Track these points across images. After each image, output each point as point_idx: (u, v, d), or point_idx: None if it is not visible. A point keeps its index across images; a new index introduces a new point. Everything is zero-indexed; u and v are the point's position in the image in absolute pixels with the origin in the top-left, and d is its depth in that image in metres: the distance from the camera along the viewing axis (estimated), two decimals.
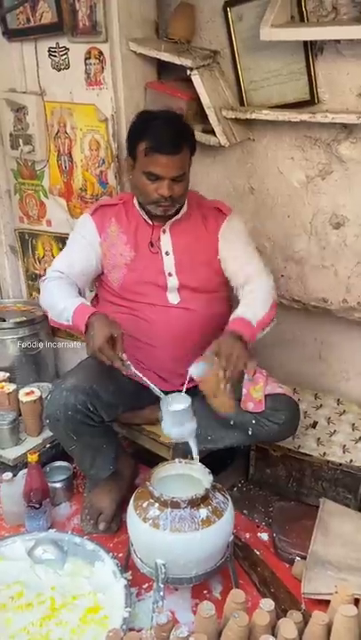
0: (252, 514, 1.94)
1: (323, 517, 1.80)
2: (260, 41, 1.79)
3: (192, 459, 1.62)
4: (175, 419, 1.57)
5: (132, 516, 1.52)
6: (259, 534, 1.86)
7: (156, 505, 1.49)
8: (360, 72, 1.82)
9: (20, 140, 2.23)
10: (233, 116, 1.97)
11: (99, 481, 1.86)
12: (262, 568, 1.70)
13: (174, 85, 2.04)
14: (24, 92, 2.19)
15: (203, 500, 1.49)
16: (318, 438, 2.00)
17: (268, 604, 1.29)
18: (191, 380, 1.61)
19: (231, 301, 1.89)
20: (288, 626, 1.25)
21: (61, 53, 2.04)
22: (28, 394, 2.06)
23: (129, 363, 1.61)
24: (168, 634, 1.23)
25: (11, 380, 2.21)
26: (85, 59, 1.99)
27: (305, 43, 1.83)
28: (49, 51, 2.06)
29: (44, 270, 2.22)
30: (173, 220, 1.80)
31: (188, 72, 1.93)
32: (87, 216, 1.86)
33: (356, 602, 1.28)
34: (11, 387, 2.11)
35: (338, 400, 2.21)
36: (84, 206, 2.17)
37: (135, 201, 1.82)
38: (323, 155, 1.95)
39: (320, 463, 1.90)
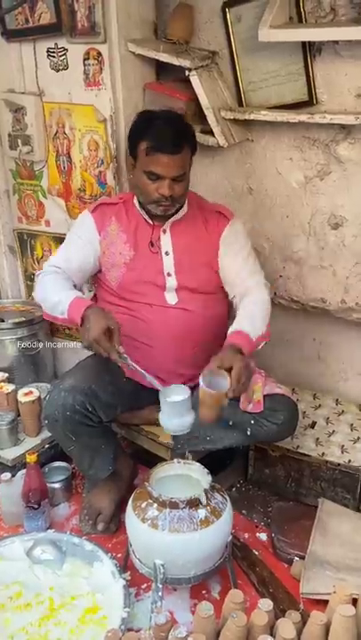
0: (251, 514, 1.94)
1: (321, 517, 1.80)
2: (258, 42, 1.79)
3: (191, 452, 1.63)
4: (174, 409, 1.56)
5: (130, 516, 1.52)
6: (257, 534, 1.86)
7: (155, 505, 1.49)
8: (358, 73, 1.82)
9: (19, 141, 2.23)
10: (231, 117, 1.97)
11: (97, 481, 1.86)
12: (261, 568, 1.71)
13: (173, 86, 2.04)
14: (23, 93, 2.19)
15: (201, 501, 1.49)
16: (317, 438, 2.00)
17: (266, 604, 1.29)
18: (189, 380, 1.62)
19: (229, 303, 1.89)
20: (286, 626, 1.25)
21: (60, 54, 2.04)
22: (26, 394, 2.06)
23: (126, 355, 1.60)
24: (167, 634, 1.24)
25: (9, 380, 2.21)
26: (84, 59, 1.99)
27: (303, 43, 1.84)
28: (47, 51, 2.07)
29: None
30: (173, 219, 1.80)
31: (187, 73, 1.93)
32: (87, 213, 1.86)
33: (354, 602, 1.28)
34: (9, 387, 2.11)
35: (336, 400, 2.21)
36: (82, 207, 2.17)
37: (135, 200, 1.82)
38: (321, 155, 1.95)
39: (319, 463, 1.91)
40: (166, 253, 1.80)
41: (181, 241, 1.81)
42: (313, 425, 2.08)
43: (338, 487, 1.90)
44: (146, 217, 1.80)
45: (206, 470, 1.58)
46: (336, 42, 1.80)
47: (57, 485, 1.98)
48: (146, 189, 1.71)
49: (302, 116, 1.84)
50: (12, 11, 2.02)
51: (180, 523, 1.45)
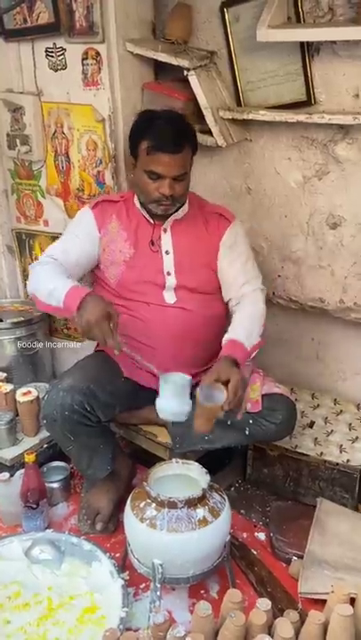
0: (250, 513, 1.95)
1: (320, 517, 1.80)
2: (256, 42, 1.79)
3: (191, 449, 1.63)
4: (174, 392, 1.55)
5: (129, 516, 1.53)
6: (256, 534, 1.86)
7: (154, 505, 1.49)
8: (356, 73, 1.82)
9: (18, 141, 2.23)
10: (230, 117, 1.97)
11: (96, 481, 1.86)
12: (259, 568, 1.71)
13: (171, 86, 2.04)
14: (21, 93, 2.18)
15: (200, 500, 1.49)
16: (315, 438, 2.00)
17: (264, 603, 1.29)
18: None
19: (227, 303, 1.89)
20: (285, 625, 1.25)
21: (58, 54, 2.04)
22: (25, 394, 2.05)
23: (125, 342, 1.59)
24: (165, 633, 1.24)
25: (8, 380, 2.21)
26: (82, 59, 1.99)
27: (301, 43, 1.84)
28: (46, 51, 2.06)
29: None
30: (174, 218, 1.80)
31: (185, 73, 1.93)
32: (87, 209, 1.86)
33: (352, 601, 1.28)
34: (8, 387, 2.10)
35: (335, 400, 2.22)
36: (81, 206, 2.16)
37: (136, 199, 1.82)
38: (319, 155, 1.95)
39: (317, 463, 1.91)
40: (166, 252, 1.80)
41: (182, 240, 1.81)
42: (311, 424, 2.08)
43: (336, 487, 1.90)
44: (146, 216, 1.80)
45: (205, 470, 1.58)
46: (334, 42, 1.80)
47: (55, 485, 1.98)
48: (146, 189, 1.71)
49: (301, 116, 1.84)
50: (11, 10, 2.01)
51: (178, 522, 1.46)
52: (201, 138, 2.00)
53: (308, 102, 1.91)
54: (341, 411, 2.16)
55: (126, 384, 1.85)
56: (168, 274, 1.80)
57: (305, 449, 1.95)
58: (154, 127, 1.67)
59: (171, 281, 1.81)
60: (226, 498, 1.57)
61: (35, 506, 1.78)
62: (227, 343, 1.66)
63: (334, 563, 1.64)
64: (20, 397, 2.05)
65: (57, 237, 2.28)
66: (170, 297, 1.82)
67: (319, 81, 1.88)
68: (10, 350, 2.31)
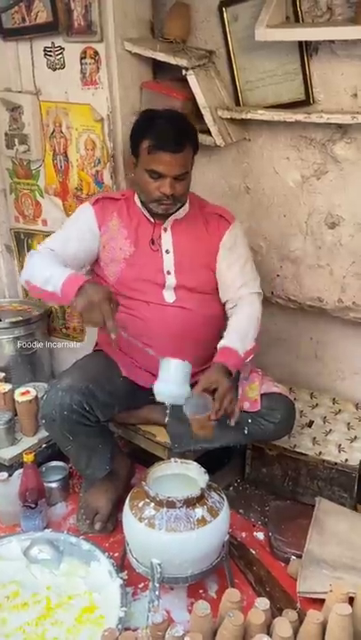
0: (248, 513, 1.95)
1: (318, 516, 1.80)
2: (255, 41, 1.79)
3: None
4: (175, 375, 1.54)
5: (127, 515, 1.52)
6: (254, 533, 1.86)
7: (152, 505, 1.49)
8: (354, 72, 1.82)
9: (16, 140, 2.23)
10: (228, 116, 1.97)
11: (95, 481, 1.86)
12: (258, 567, 1.71)
13: (170, 85, 2.04)
14: (19, 92, 2.18)
15: (198, 500, 1.49)
16: (314, 437, 2.00)
17: (263, 602, 1.29)
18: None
19: (224, 304, 1.89)
20: (283, 625, 1.25)
21: (57, 53, 2.04)
22: (23, 394, 2.05)
23: (124, 327, 1.58)
24: (164, 633, 1.24)
25: (6, 379, 2.21)
26: (81, 58, 1.99)
27: (300, 43, 1.84)
28: (44, 50, 2.06)
29: None
30: (174, 218, 1.80)
31: (184, 72, 1.93)
32: (88, 205, 1.85)
33: (350, 600, 1.28)
34: (6, 386, 2.10)
35: (333, 399, 2.22)
36: (79, 206, 2.16)
37: (136, 198, 1.82)
38: (318, 155, 1.95)
39: (316, 462, 1.91)
40: (167, 252, 1.80)
41: (182, 240, 1.81)
42: (310, 424, 2.08)
43: (335, 486, 1.91)
44: (147, 215, 1.80)
45: (203, 469, 1.58)
46: (333, 41, 1.80)
47: (54, 485, 1.98)
48: (147, 188, 1.71)
49: (299, 116, 1.84)
50: (9, 9, 2.01)
51: (176, 522, 1.45)
52: (199, 137, 2.00)
53: (306, 102, 1.91)
54: (340, 410, 2.16)
55: (125, 384, 1.85)
56: (168, 273, 1.80)
57: (304, 448, 1.95)
58: (155, 126, 1.67)
59: (170, 280, 1.81)
60: (224, 497, 1.57)
61: (33, 505, 1.78)
62: (221, 350, 1.68)
63: (333, 562, 1.64)
64: (18, 397, 2.05)
65: None
66: (169, 296, 1.82)
67: (318, 80, 1.88)
68: (8, 350, 2.31)
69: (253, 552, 1.77)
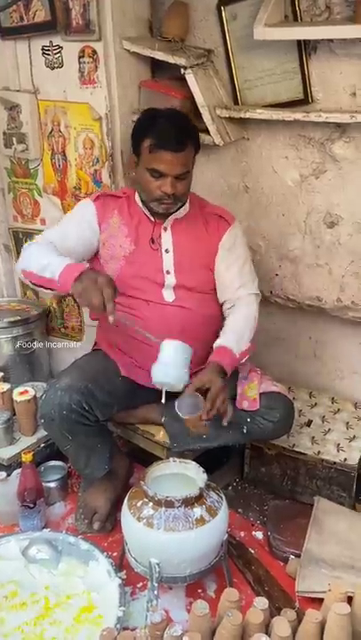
0: (247, 512, 1.95)
1: (317, 516, 1.80)
2: (253, 40, 1.78)
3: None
4: (175, 358, 1.52)
5: (126, 515, 1.52)
6: (253, 533, 1.86)
7: (151, 504, 1.49)
8: (353, 71, 1.82)
9: (14, 139, 2.22)
10: (227, 115, 1.97)
11: (93, 480, 1.86)
12: (257, 566, 1.71)
13: (168, 84, 2.03)
14: (18, 91, 2.18)
15: (197, 500, 1.49)
16: (313, 437, 2.00)
17: (261, 602, 1.29)
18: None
19: (222, 305, 1.89)
20: (282, 624, 1.25)
21: (55, 52, 2.03)
22: (22, 393, 2.05)
23: (124, 313, 1.56)
24: (162, 633, 1.24)
25: (5, 379, 2.21)
26: (79, 57, 1.99)
27: (299, 42, 1.83)
28: (42, 49, 2.06)
29: None
30: (174, 217, 1.79)
31: (182, 71, 1.92)
32: (89, 201, 1.85)
33: (349, 600, 1.28)
34: (5, 386, 2.10)
35: (332, 399, 2.22)
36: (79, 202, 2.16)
37: (137, 197, 1.82)
38: (316, 154, 1.95)
39: (314, 462, 1.91)
40: (166, 251, 1.80)
41: (182, 240, 1.81)
42: (309, 423, 2.08)
43: (334, 485, 1.90)
44: (147, 214, 1.80)
45: (202, 469, 1.58)
46: (331, 40, 1.80)
47: (53, 484, 1.98)
48: (148, 187, 1.70)
49: (298, 115, 1.84)
50: (7, 8, 2.01)
51: (175, 522, 1.45)
52: None
53: (305, 101, 1.91)
54: (339, 409, 2.16)
55: (124, 383, 1.84)
56: (167, 272, 1.80)
57: (302, 448, 1.95)
58: (157, 125, 1.67)
59: (170, 280, 1.80)
60: (223, 497, 1.57)
61: (32, 505, 1.78)
62: (216, 349, 1.69)
63: (332, 561, 1.64)
64: (17, 397, 2.04)
65: None
66: (169, 295, 1.81)
67: (316, 79, 1.88)
68: (7, 349, 2.31)
69: (252, 551, 1.77)
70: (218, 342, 1.71)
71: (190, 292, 1.82)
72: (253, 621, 1.24)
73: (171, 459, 1.65)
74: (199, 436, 1.62)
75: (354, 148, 1.89)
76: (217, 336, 1.74)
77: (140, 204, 1.81)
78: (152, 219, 1.80)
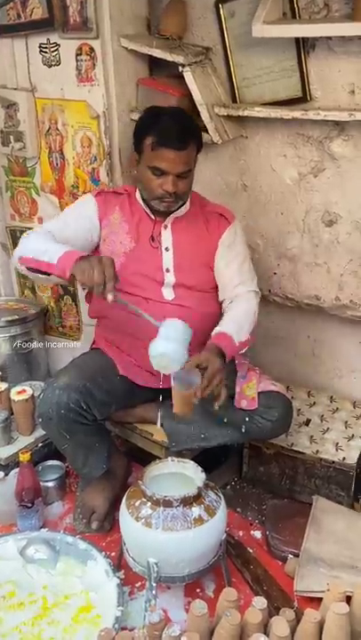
0: (246, 512, 1.94)
1: (316, 515, 1.80)
2: (252, 37, 1.78)
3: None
4: (177, 333, 1.49)
5: (124, 514, 1.52)
6: (252, 532, 1.86)
7: (149, 504, 1.48)
8: (351, 69, 1.81)
9: (11, 137, 2.21)
10: (225, 113, 1.96)
11: (91, 480, 1.85)
12: (255, 566, 1.70)
13: (166, 82, 2.03)
14: (15, 89, 2.17)
15: (195, 499, 1.49)
16: (311, 436, 2.00)
17: (260, 602, 1.29)
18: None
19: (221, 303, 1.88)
20: (280, 624, 1.25)
21: (52, 49, 2.02)
22: (19, 392, 2.04)
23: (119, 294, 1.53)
24: (160, 632, 1.23)
25: (2, 378, 2.20)
26: (76, 55, 1.98)
27: (297, 39, 1.83)
28: (40, 47, 2.05)
29: None
30: (175, 216, 1.79)
31: (180, 69, 1.92)
32: (90, 196, 1.84)
33: (348, 599, 1.28)
34: (2, 385, 2.09)
35: (331, 397, 2.21)
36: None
37: (138, 195, 1.81)
38: (315, 152, 1.95)
39: (313, 461, 1.91)
40: (166, 249, 1.80)
41: (182, 238, 1.80)
42: (307, 422, 2.08)
43: (332, 484, 1.90)
44: (148, 212, 1.80)
45: (200, 468, 1.58)
46: (330, 38, 1.79)
47: (50, 484, 1.97)
48: (150, 185, 1.70)
49: (296, 113, 1.83)
50: (4, 6, 2.00)
51: (173, 521, 1.45)
52: None
53: (303, 99, 1.90)
54: (337, 408, 2.15)
55: (122, 382, 1.84)
56: (167, 271, 1.80)
57: (301, 447, 1.94)
58: (160, 123, 1.67)
59: (169, 278, 1.80)
60: (221, 496, 1.57)
61: (30, 505, 1.78)
62: (215, 335, 1.66)
63: (330, 561, 1.64)
64: (14, 396, 2.04)
65: None
66: (168, 294, 1.81)
67: (315, 77, 1.88)
68: (4, 348, 2.30)
69: (251, 551, 1.77)
70: (217, 329, 1.68)
71: (190, 290, 1.81)
72: (252, 621, 1.24)
73: (169, 458, 1.64)
74: (183, 417, 1.57)
75: (352, 146, 1.88)
76: None
77: (140, 201, 1.80)
78: (152, 217, 1.80)
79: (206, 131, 1.97)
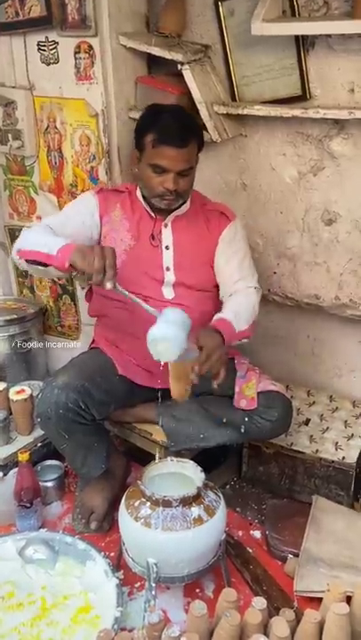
0: (245, 511, 1.94)
1: (315, 515, 1.80)
2: (251, 35, 1.77)
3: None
4: (176, 318, 1.47)
5: (123, 514, 1.51)
6: (251, 532, 1.85)
7: (148, 504, 1.48)
8: (351, 67, 1.81)
9: (10, 136, 2.20)
10: (225, 112, 1.95)
11: (90, 480, 1.85)
12: (255, 566, 1.70)
13: (165, 80, 2.02)
14: (13, 87, 2.16)
15: (195, 499, 1.48)
16: (311, 435, 1.99)
17: (260, 602, 1.28)
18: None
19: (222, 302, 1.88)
20: (280, 624, 1.24)
21: (51, 47, 2.01)
22: (18, 392, 2.03)
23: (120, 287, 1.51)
24: (160, 633, 1.23)
25: (1, 378, 2.19)
26: (75, 53, 1.97)
27: (296, 37, 1.82)
28: (38, 45, 2.04)
29: None
30: (175, 214, 1.79)
31: (179, 67, 1.91)
32: (91, 193, 1.84)
33: (348, 599, 1.27)
34: (1, 385, 2.09)
35: (330, 397, 2.21)
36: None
37: (138, 193, 1.81)
38: (315, 151, 1.94)
39: (313, 460, 1.90)
40: (166, 248, 1.79)
41: (182, 237, 1.80)
42: (307, 422, 2.08)
43: (332, 484, 1.90)
44: (148, 210, 1.79)
45: (200, 468, 1.57)
46: (329, 36, 1.79)
47: (49, 484, 1.97)
48: (150, 183, 1.69)
49: (296, 111, 1.83)
50: (2, 3, 1.99)
51: (173, 521, 1.45)
52: None
53: (303, 97, 1.90)
54: (337, 408, 2.15)
55: (121, 382, 1.83)
56: (167, 269, 1.79)
57: (300, 446, 1.94)
58: (161, 121, 1.66)
59: (169, 277, 1.79)
60: (221, 496, 1.56)
61: (28, 505, 1.77)
62: (215, 321, 1.64)
63: (330, 561, 1.63)
64: (13, 396, 2.03)
65: None
66: (168, 293, 1.81)
67: (314, 75, 1.87)
68: (3, 348, 2.29)
69: (250, 551, 1.77)
70: (217, 315, 1.66)
71: (190, 289, 1.81)
72: (252, 622, 1.23)
73: (168, 458, 1.64)
74: (179, 398, 1.54)
75: (352, 144, 1.88)
76: None
77: (141, 199, 1.80)
78: (153, 215, 1.79)
79: (206, 129, 1.96)
